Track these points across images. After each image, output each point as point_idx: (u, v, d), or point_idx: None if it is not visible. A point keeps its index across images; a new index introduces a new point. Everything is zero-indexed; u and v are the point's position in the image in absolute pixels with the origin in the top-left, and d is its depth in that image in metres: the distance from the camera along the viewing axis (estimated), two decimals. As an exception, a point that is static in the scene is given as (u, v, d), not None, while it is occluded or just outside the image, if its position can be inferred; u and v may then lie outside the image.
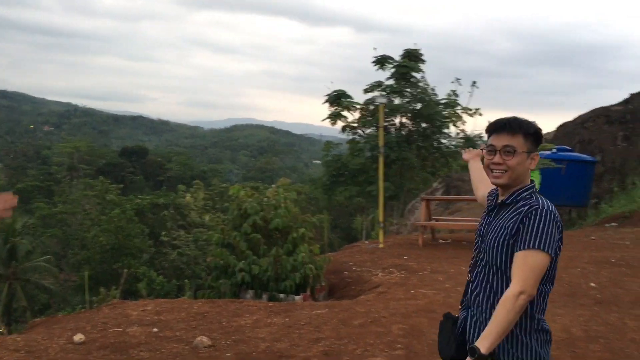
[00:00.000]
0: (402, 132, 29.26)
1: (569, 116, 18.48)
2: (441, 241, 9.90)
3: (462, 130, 32.72)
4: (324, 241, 23.13)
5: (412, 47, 29.54)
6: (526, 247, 2.14)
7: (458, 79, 33.95)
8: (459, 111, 31.02)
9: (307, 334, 4.80)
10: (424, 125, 29.57)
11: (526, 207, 2.20)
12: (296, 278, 6.21)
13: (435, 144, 30.41)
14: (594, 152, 16.61)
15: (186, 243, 35.37)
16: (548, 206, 2.21)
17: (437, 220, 10.38)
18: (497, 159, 2.27)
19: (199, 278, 32.39)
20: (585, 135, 17.72)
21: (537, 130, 2.30)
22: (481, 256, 2.37)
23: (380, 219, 9.35)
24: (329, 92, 29.68)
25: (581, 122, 18.18)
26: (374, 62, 29.31)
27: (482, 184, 2.82)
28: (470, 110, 33.54)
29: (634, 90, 17.66)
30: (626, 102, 17.32)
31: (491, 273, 2.28)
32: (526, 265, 2.12)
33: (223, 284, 6.37)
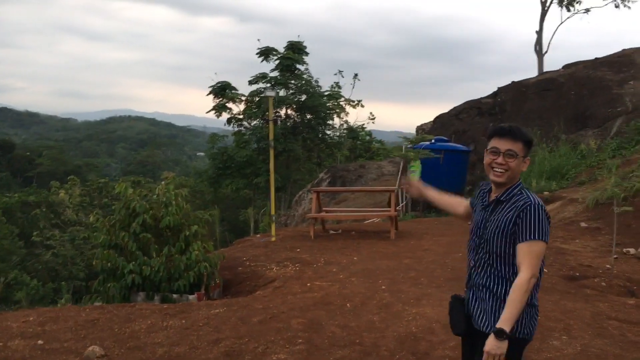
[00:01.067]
0: (288, 124, 29.50)
1: (445, 107, 19.58)
2: (332, 232, 10.10)
3: (346, 122, 33.64)
4: (217, 236, 22.75)
5: (296, 39, 29.82)
6: (529, 238, 2.56)
7: (340, 71, 34.77)
8: (342, 103, 31.82)
9: (206, 335, 4.69)
10: (309, 116, 30.02)
11: (521, 203, 2.64)
12: (190, 277, 6.05)
13: (320, 135, 31.00)
14: (468, 142, 17.73)
15: (61, 243, 33.38)
16: (538, 201, 2.64)
17: (327, 211, 10.56)
18: (500, 160, 2.69)
19: (77, 279, 30.65)
20: (459, 126, 18.86)
21: (531, 140, 2.79)
22: (482, 246, 2.81)
23: (272, 211, 9.36)
24: (213, 83, 29.22)
25: (455, 113, 19.33)
26: (258, 53, 29.24)
27: (458, 205, 3.42)
28: (353, 101, 34.47)
29: (501, 83, 19.08)
30: (495, 95, 18.64)
31: (493, 259, 2.70)
32: (532, 254, 2.56)
33: (112, 287, 6.06)
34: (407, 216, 14.26)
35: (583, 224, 9.94)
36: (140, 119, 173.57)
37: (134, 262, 6.11)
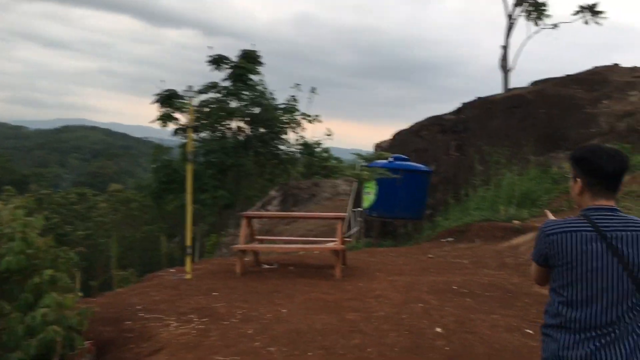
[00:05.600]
0: (240, 137, 27.65)
1: (405, 126, 18.11)
2: (265, 266, 8.29)
3: (302, 137, 31.92)
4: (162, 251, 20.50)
5: (250, 48, 28.07)
6: None
7: (297, 84, 33.04)
8: (298, 117, 30.11)
9: None
10: (262, 130, 28.21)
11: None
12: (31, 346, 4.15)
13: (273, 150, 29.20)
14: (429, 161, 16.28)
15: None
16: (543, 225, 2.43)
17: (260, 241, 8.75)
18: None
19: None
20: (420, 144, 17.43)
21: (573, 156, 2.43)
22: None
23: (188, 242, 7.48)
24: (159, 91, 27.16)
25: (416, 130, 17.90)
26: (209, 61, 27.35)
27: None
28: (310, 116, 32.81)
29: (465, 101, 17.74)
30: (458, 111, 17.30)
31: None
32: None
33: None
34: (359, 244, 12.57)
35: (564, 262, 8.41)
36: (94, 129, 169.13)
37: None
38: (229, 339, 4.80)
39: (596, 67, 16.41)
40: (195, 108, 27.35)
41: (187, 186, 7.42)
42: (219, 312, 5.65)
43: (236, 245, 7.90)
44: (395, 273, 8.05)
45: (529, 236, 10.08)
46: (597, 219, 2.25)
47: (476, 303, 6.36)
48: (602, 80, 15.45)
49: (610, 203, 2.31)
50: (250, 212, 8.35)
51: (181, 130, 27.13)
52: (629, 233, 2.21)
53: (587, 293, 2.21)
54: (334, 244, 7.99)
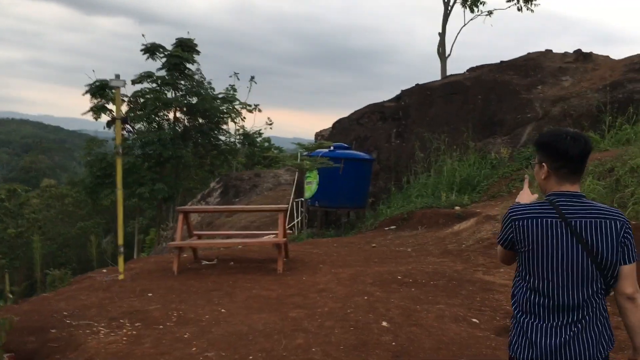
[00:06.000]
0: (177, 128, 26.93)
1: (346, 114, 17.94)
2: (205, 262, 7.95)
3: (242, 127, 31.36)
4: (93, 251, 19.57)
5: (187, 36, 27.29)
6: None
7: (236, 74, 32.46)
8: (237, 107, 29.53)
9: None
10: (200, 120, 27.56)
11: None
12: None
13: (213, 140, 28.59)
14: (370, 149, 16.20)
15: None
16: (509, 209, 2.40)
17: (199, 236, 8.38)
18: None
19: None
20: (361, 132, 17.31)
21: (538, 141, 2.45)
22: None
23: (120, 241, 7.05)
24: (91, 82, 26.07)
25: (356, 118, 17.76)
26: (143, 50, 26.42)
27: None
28: (249, 106, 32.27)
29: (405, 88, 17.70)
30: (398, 98, 17.26)
31: None
32: None
33: None
34: (302, 235, 12.35)
35: (505, 247, 8.44)
36: (25, 122, 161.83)
37: None
38: (163, 346, 4.48)
39: (530, 53, 16.69)
40: (128, 99, 26.43)
41: (117, 182, 6.97)
42: (153, 316, 5.31)
43: (172, 242, 7.51)
44: (338, 265, 7.88)
45: (471, 222, 10.13)
46: (561, 204, 2.25)
47: (421, 293, 6.26)
48: (536, 66, 15.74)
49: (575, 188, 2.32)
50: (186, 207, 7.96)
51: (114, 122, 26.18)
52: (592, 220, 2.22)
53: (552, 278, 2.22)
54: (275, 237, 7.73)
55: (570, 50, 16.77)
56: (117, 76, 6.72)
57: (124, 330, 4.95)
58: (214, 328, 4.88)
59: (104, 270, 7.91)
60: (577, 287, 2.20)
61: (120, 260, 6.96)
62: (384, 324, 4.99)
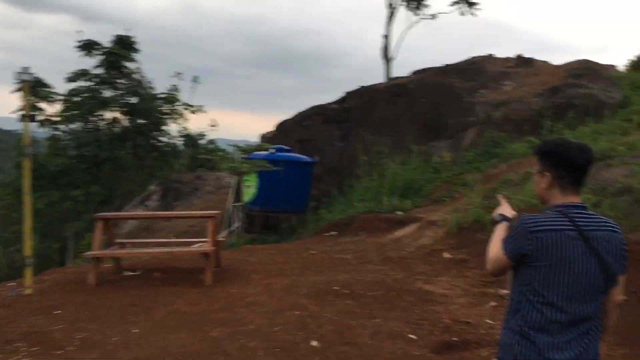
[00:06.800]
0: (115, 129, 25.86)
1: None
2: (128, 273, 7.33)
3: (184, 128, 30.43)
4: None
5: (125, 33, 26.27)
6: None
7: (179, 73, 31.47)
8: (179, 107, 28.61)
9: None
10: (140, 121, 26.56)
11: None
12: None
13: (154, 142, 27.59)
14: (313, 151, 15.81)
15: None
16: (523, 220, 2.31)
17: (122, 245, 7.74)
18: None
19: None
20: (303, 134, 16.91)
21: (541, 149, 2.41)
22: None
23: (27, 252, 6.36)
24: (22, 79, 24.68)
25: (299, 120, 17.36)
26: (78, 47, 25.27)
27: None
28: (192, 106, 31.36)
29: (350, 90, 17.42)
30: (342, 100, 16.96)
31: None
32: None
33: None
34: (239, 241, 11.81)
35: (446, 255, 8.16)
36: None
37: None
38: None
39: (473, 57, 16.71)
40: (65, 97, 25.20)
41: (25, 186, 6.29)
42: (54, 338, 4.71)
43: (88, 252, 6.85)
44: (273, 274, 7.42)
45: (412, 227, 9.86)
46: (575, 217, 2.21)
47: (358, 305, 5.87)
48: (479, 70, 15.73)
49: (579, 199, 2.30)
50: (105, 214, 7.31)
51: (47, 122, 24.95)
52: (603, 233, 2.22)
53: (570, 293, 2.19)
54: (203, 245, 7.19)
55: (512, 56, 16.88)
56: (26, 69, 6.06)
57: (19, 357, 4.33)
58: (122, 352, 4.33)
59: (12, 283, 7.17)
60: (589, 299, 2.21)
61: (28, 272, 6.27)
62: (314, 343, 4.56)
